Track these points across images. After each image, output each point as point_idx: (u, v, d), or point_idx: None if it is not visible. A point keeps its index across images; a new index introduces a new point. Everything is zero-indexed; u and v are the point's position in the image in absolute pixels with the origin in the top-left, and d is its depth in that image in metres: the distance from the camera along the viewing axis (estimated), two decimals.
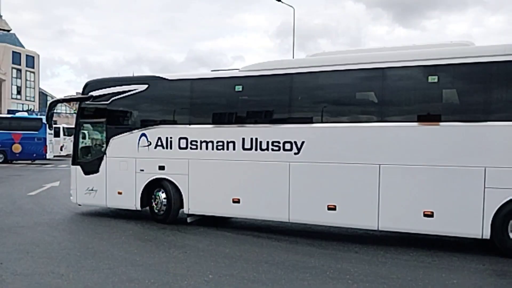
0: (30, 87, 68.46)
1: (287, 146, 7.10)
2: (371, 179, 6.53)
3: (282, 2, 25.80)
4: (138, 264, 5.66)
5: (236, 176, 7.62)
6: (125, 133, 8.60)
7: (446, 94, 6.45)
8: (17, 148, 25.98)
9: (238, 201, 7.57)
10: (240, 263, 5.74)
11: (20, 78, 65.82)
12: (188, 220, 8.32)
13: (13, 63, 64.08)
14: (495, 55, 5.95)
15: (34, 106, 66.34)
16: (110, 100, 8.77)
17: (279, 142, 7.17)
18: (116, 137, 8.68)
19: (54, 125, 31.15)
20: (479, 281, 5.20)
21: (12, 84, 64.05)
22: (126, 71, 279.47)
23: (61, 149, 34.04)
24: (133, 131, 8.49)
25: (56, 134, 31.85)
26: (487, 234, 5.99)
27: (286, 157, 7.12)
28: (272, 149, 7.22)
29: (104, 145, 8.84)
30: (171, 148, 8.13)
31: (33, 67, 68.45)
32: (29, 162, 27.00)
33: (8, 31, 69.74)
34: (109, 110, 8.80)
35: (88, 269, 5.40)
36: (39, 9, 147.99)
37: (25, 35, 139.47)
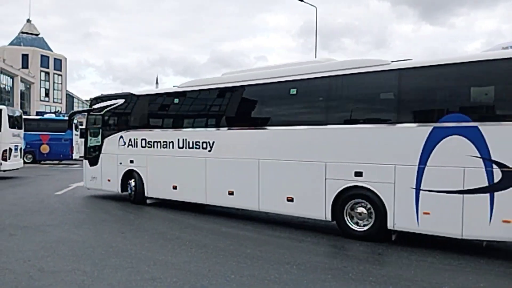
0: (57, 90, 70.52)
1: (204, 145, 9.22)
2: (255, 170, 8.32)
3: (304, 1, 25.67)
4: (161, 263, 5.71)
5: (174, 168, 9.90)
6: (112, 135, 11.43)
7: (299, 104, 7.98)
8: (45, 148, 26.79)
9: (175, 188, 9.86)
10: (262, 264, 5.72)
11: (48, 81, 67.90)
12: (148, 201, 10.74)
13: (41, 66, 66.17)
14: (334, 70, 7.38)
15: (61, 108, 68.33)
16: (104, 111, 11.73)
17: (199, 142, 9.28)
18: (107, 138, 11.56)
19: (80, 127, 31.99)
20: (507, 285, 5.01)
21: (40, 87, 66.16)
22: (150, 72, 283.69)
23: None
24: (115, 134, 11.33)
25: (82, 135, 32.65)
26: (329, 217, 7.41)
27: (203, 153, 9.21)
28: (195, 147, 9.39)
29: (100, 144, 11.74)
30: (136, 147, 10.78)
31: (61, 70, 70.50)
32: (56, 162, 27.81)
33: (37, 35, 71.98)
34: (103, 118, 11.79)
35: (111, 267, 5.49)
36: (66, 13, 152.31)
37: (52, 38, 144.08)
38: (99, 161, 11.72)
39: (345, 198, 7.18)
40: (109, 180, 11.47)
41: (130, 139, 10.91)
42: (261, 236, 7.49)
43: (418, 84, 6.55)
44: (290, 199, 7.82)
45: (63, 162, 28.26)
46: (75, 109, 75.98)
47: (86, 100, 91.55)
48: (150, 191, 10.56)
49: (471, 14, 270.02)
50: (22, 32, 70.53)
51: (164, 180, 10.12)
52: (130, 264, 5.63)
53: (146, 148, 10.52)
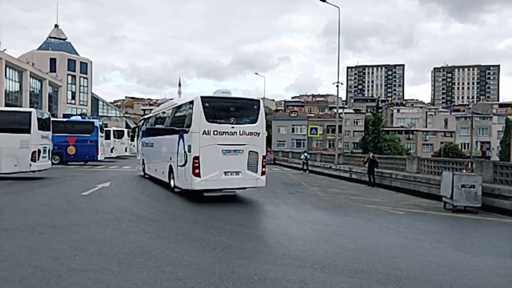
0: (83, 92, 72.26)
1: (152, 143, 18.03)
2: (158, 154, 16.81)
3: (327, 2, 25.49)
4: (185, 263, 5.75)
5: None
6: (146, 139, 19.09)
7: (160, 125, 16.69)
8: (71, 150, 27.50)
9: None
10: (287, 266, 5.68)
11: (75, 84, 69.67)
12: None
13: (68, 69, 68.01)
14: (167, 105, 15.93)
15: (87, 110, 69.95)
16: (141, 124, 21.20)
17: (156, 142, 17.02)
18: (142, 140, 19.91)
19: (105, 128, 32.67)
20: None
21: (67, 90, 67.96)
22: (174, 75, 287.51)
23: (111, 151, 35.58)
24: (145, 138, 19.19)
25: (107, 137, 33.37)
26: (166, 179, 14.72)
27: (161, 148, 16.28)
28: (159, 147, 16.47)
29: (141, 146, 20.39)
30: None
31: (86, 73, 72.24)
32: (82, 163, 28.48)
33: (64, 39, 74.07)
34: (140, 129, 20.91)
35: (137, 267, 5.56)
36: (93, 17, 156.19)
37: (79, 42, 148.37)
38: (143, 157, 20.17)
39: (169, 169, 14.07)
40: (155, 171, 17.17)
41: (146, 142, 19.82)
42: (286, 238, 7.44)
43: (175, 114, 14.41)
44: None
45: (89, 163, 28.93)
46: (100, 111, 77.64)
47: (111, 102, 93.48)
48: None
49: (504, 11, 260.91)
50: (50, 37, 72.74)
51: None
52: (155, 264, 5.69)
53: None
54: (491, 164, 13.44)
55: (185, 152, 12.05)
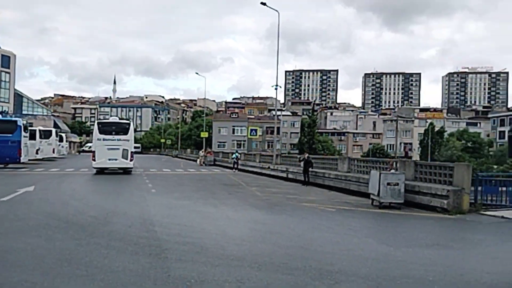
0: (4, 88, 66.60)
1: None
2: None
3: (267, 6, 25.87)
4: (118, 270, 5.47)
5: None
6: None
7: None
8: None
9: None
10: (223, 267, 5.65)
11: None
12: None
13: None
14: None
15: (8, 107, 64.48)
16: None
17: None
18: None
19: (29, 128, 30.24)
20: None
21: None
22: (110, 72, 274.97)
23: (36, 153, 33.04)
24: None
25: (32, 137, 30.92)
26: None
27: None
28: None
29: None
30: None
31: (9, 67, 66.68)
32: (2, 166, 26.12)
33: None
34: None
35: (64, 276, 5.18)
36: (20, 7, 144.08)
37: (3, 33, 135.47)
38: None
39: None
40: None
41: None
42: (223, 238, 7.39)
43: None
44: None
45: (10, 166, 26.58)
46: (24, 109, 71.93)
47: (38, 100, 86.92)
48: None
49: (430, 22, 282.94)
50: None
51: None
52: (84, 272, 5.34)
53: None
54: (412, 163, 14.47)
55: None
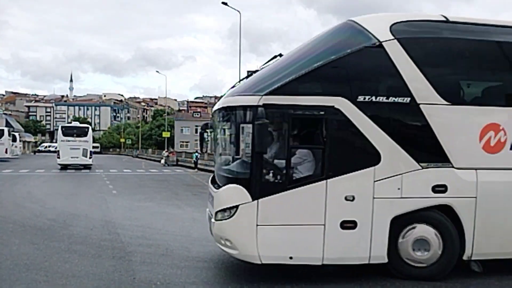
0: None
1: None
2: None
3: (228, 6, 25.93)
4: (80, 274, 5.36)
5: None
6: None
7: None
8: None
9: None
10: (188, 269, 5.65)
11: None
12: None
13: None
14: None
15: None
16: None
17: None
18: None
19: None
20: None
21: None
22: (66, 69, 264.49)
23: (6, 152, 31.90)
24: None
25: None
26: None
27: None
28: None
29: None
30: None
31: None
32: None
33: None
34: None
35: (22, 282, 5.02)
36: None
37: None
38: None
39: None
40: None
41: None
42: (188, 239, 7.39)
43: None
44: None
45: None
46: None
47: None
48: None
49: None
50: None
51: None
52: (44, 278, 5.21)
53: None
54: None
55: None
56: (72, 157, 27.19)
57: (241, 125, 5.17)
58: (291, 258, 4.90)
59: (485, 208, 5.15)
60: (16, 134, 46.99)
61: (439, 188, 5.10)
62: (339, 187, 4.95)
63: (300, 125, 5.30)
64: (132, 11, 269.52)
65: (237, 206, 4.92)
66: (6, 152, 36.95)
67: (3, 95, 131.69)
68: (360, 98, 4.98)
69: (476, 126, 5.21)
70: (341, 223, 4.94)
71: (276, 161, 5.17)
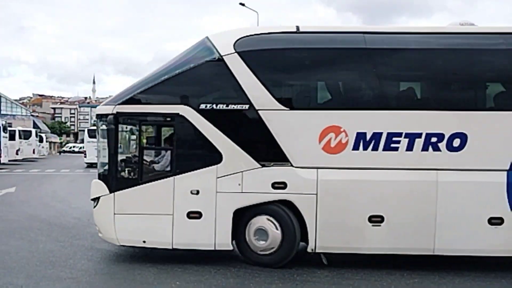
0: None
1: None
2: None
3: (246, 6, 26.00)
4: (103, 272, 5.52)
5: None
6: None
7: None
8: None
9: None
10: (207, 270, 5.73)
11: None
12: None
13: None
14: None
15: None
16: None
17: None
18: None
19: (9, 128, 29.80)
20: None
21: None
22: (89, 71, 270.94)
23: (16, 153, 32.51)
24: None
25: (11, 138, 30.37)
26: None
27: None
28: None
29: None
30: None
31: None
32: None
33: None
34: None
35: (49, 279, 5.20)
36: None
37: None
38: None
39: None
40: None
41: None
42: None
43: None
44: None
45: None
46: (3, 109, 70.29)
47: (16, 100, 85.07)
48: None
49: (409, 23, 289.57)
50: None
51: None
52: (69, 275, 5.36)
53: None
54: None
55: None
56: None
57: (100, 130, 6.26)
58: (144, 242, 5.73)
59: (326, 204, 5.52)
60: (43, 135, 48.40)
61: (279, 185, 5.57)
62: (185, 183, 5.64)
63: (152, 129, 6.36)
64: (151, 14, 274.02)
65: (98, 198, 5.99)
66: (33, 152, 38.09)
67: (31, 98, 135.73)
68: (202, 106, 5.64)
69: (315, 129, 5.54)
70: (188, 213, 5.63)
71: (130, 160, 6.20)
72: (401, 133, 5.46)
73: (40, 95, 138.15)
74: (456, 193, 5.44)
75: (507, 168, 5.40)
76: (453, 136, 5.42)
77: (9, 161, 28.20)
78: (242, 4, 25.77)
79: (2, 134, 25.93)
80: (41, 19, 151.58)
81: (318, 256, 5.83)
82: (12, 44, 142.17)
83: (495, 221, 5.38)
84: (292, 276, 5.41)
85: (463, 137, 5.42)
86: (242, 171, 5.60)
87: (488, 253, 5.59)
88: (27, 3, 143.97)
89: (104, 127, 6.03)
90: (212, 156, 5.65)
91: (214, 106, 5.65)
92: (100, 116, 6.17)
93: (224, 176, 5.61)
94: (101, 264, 5.88)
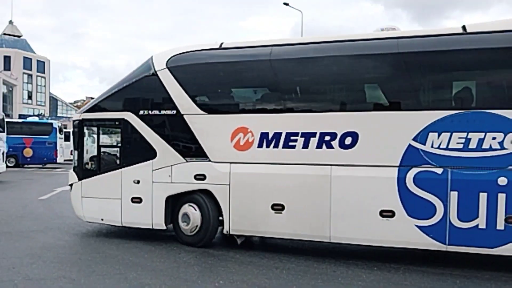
0: (41, 92, 69.29)
1: None
2: None
3: (290, 6, 25.87)
4: (149, 269, 5.66)
5: None
6: None
7: None
8: (28, 152, 26.27)
9: None
10: (251, 268, 5.72)
11: (31, 83, 66.66)
12: None
13: (24, 68, 64.88)
14: None
15: (44, 110, 67.11)
16: None
17: None
18: None
19: (64, 130, 31.51)
20: None
21: (23, 89, 64.89)
22: None
23: (71, 153, 34.26)
24: None
25: (67, 139, 32.15)
26: None
27: None
28: None
29: None
30: None
31: (44, 72, 69.27)
32: (40, 166, 27.29)
33: (19, 36, 70.66)
34: None
35: (99, 274, 5.41)
36: (53, 13, 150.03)
37: (38, 39, 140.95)
38: None
39: None
40: None
41: None
42: (247, 241, 7.47)
43: None
44: None
45: (47, 166, 27.74)
46: (59, 112, 74.75)
47: (71, 103, 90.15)
48: None
49: (464, 17, 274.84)
50: (4, 34, 69.15)
51: None
52: (117, 270, 5.56)
53: None
54: None
55: None
56: None
57: (72, 132, 8.12)
58: (102, 219, 7.46)
59: (237, 193, 6.46)
60: None
61: (199, 177, 6.66)
62: (129, 174, 7.07)
63: (107, 131, 7.86)
64: (196, 17, 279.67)
65: (72, 184, 7.71)
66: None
67: (84, 100, 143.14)
68: (141, 112, 6.99)
69: (227, 130, 6.48)
70: (131, 198, 7.05)
71: (91, 155, 7.67)
72: (298, 133, 6.14)
73: (92, 98, 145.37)
74: (349, 186, 5.91)
75: (398, 164, 5.69)
76: (345, 135, 5.92)
77: (64, 160, 29.86)
78: (286, 4, 25.68)
79: (58, 135, 27.50)
80: (93, 25, 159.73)
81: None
82: (67, 50, 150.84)
83: (387, 214, 5.73)
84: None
85: (354, 136, 5.89)
86: (171, 165, 6.79)
87: (381, 243, 5.93)
88: (81, 11, 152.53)
89: (75, 130, 7.73)
90: (149, 153, 6.93)
91: (150, 112, 6.94)
92: (73, 122, 7.86)
93: (158, 169, 6.89)
94: (148, 261, 6.03)
